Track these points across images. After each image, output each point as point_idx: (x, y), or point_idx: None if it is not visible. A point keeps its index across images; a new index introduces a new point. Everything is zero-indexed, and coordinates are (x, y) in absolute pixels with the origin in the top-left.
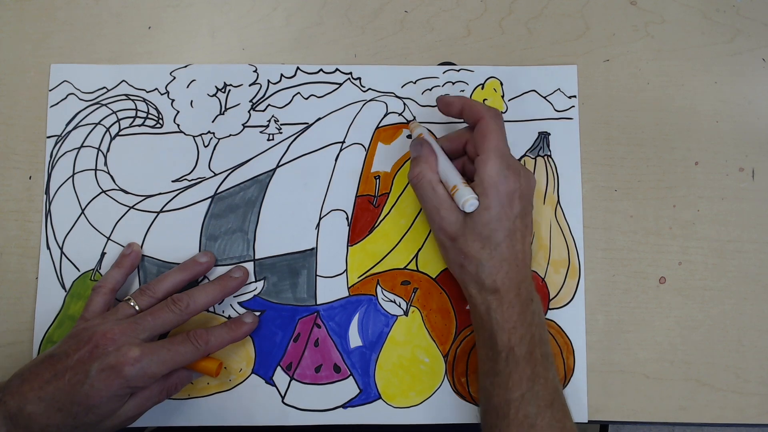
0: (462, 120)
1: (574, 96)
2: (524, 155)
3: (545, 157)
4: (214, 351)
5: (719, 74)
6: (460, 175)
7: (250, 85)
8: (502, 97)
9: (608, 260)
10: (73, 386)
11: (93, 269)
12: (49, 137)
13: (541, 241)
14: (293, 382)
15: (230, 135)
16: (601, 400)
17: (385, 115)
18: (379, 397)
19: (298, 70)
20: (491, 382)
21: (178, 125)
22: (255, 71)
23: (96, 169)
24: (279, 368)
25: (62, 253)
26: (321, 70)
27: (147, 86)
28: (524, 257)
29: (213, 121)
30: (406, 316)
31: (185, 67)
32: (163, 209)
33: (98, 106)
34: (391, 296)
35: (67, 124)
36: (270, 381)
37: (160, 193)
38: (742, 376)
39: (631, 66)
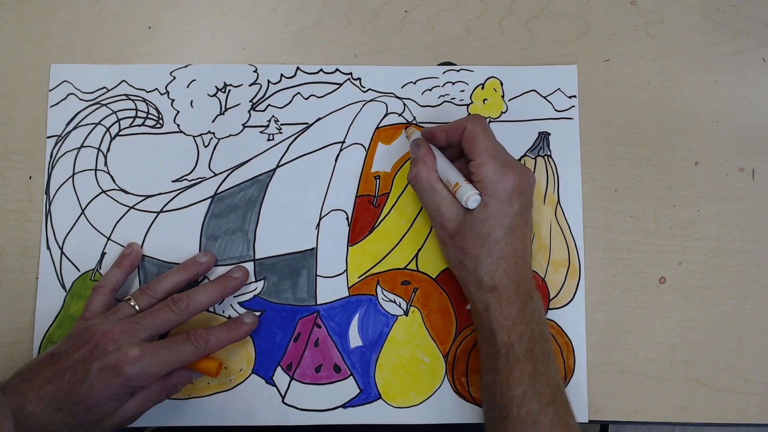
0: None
1: (574, 96)
2: (524, 155)
3: (545, 157)
4: (214, 351)
5: (719, 74)
6: (460, 173)
7: (250, 85)
8: (502, 97)
9: (608, 260)
10: (73, 385)
11: (93, 269)
12: (49, 137)
13: (541, 241)
14: (293, 382)
15: (230, 135)
16: (601, 400)
17: (385, 116)
18: (380, 397)
19: (298, 70)
20: (493, 380)
21: (178, 125)
22: (255, 71)
23: (96, 169)
24: (279, 368)
25: (62, 253)
26: (321, 70)
27: (147, 86)
28: (524, 254)
29: (213, 121)
30: (406, 316)
31: (185, 67)
32: (164, 209)
33: (98, 106)
34: (391, 296)
35: (67, 124)
36: (270, 381)
37: (160, 193)
38: (742, 376)
39: (631, 66)
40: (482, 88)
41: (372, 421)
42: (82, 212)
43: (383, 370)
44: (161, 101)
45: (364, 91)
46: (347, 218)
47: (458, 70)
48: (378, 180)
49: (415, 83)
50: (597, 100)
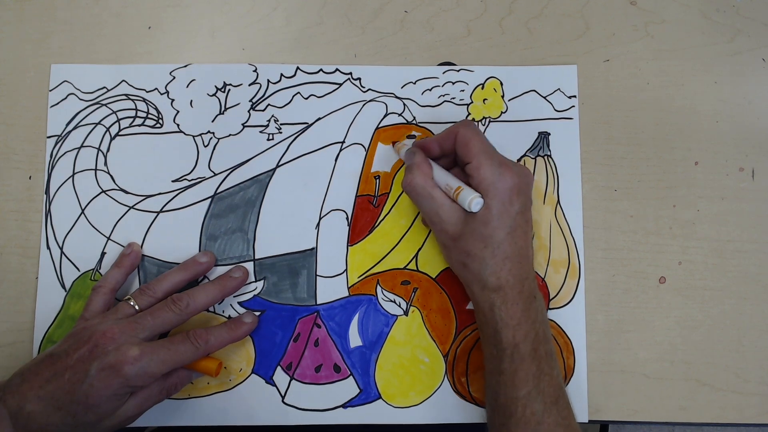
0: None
1: (574, 96)
2: (524, 155)
3: (545, 157)
4: (214, 351)
5: (719, 74)
6: (457, 179)
7: (249, 85)
8: (502, 97)
9: (608, 260)
10: (73, 385)
11: (93, 269)
12: (49, 137)
13: (541, 241)
14: (293, 381)
15: (230, 135)
16: (601, 400)
17: (385, 116)
18: (379, 397)
19: (298, 70)
20: (497, 380)
21: (178, 125)
22: (255, 71)
23: (96, 169)
24: (279, 368)
25: (62, 253)
26: (321, 70)
27: (147, 86)
28: (527, 253)
29: (213, 121)
30: (406, 315)
31: (185, 66)
32: (163, 209)
33: (98, 106)
34: (391, 296)
35: (67, 124)
36: (270, 381)
37: (160, 193)
38: (742, 376)
39: (631, 66)
40: (482, 88)
41: (372, 421)
42: (82, 212)
43: (383, 370)
44: (161, 101)
45: (364, 91)
46: (347, 218)
47: (458, 70)
48: (378, 180)
49: (415, 83)
50: (597, 100)
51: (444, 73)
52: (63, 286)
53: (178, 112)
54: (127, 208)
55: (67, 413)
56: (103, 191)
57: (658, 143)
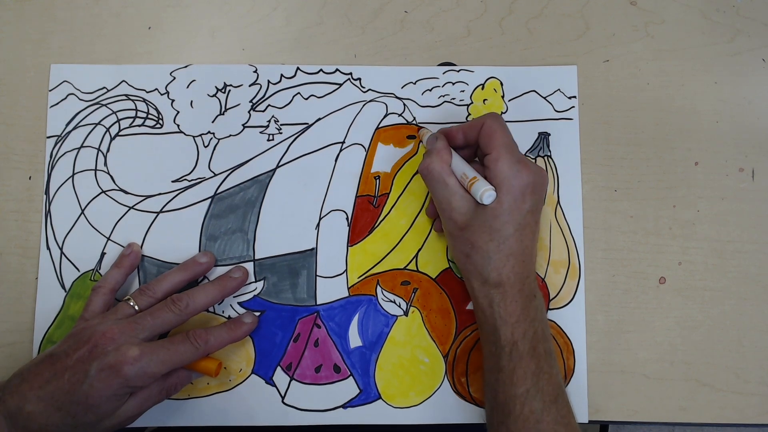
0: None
1: (574, 96)
2: (524, 155)
3: (545, 158)
4: (214, 351)
5: (719, 74)
6: (474, 170)
7: (250, 86)
8: (503, 97)
9: (608, 260)
10: (73, 386)
11: (93, 269)
12: (49, 137)
13: (541, 241)
14: (293, 382)
15: (230, 135)
16: (601, 400)
17: (385, 116)
18: (379, 398)
19: (298, 71)
20: (495, 378)
21: (178, 125)
22: (255, 71)
23: (96, 170)
24: (279, 368)
25: (62, 253)
26: (321, 70)
27: (147, 86)
28: (531, 253)
29: (213, 122)
30: (406, 316)
31: (185, 67)
32: (163, 209)
33: (98, 106)
34: (391, 296)
35: (67, 124)
36: (270, 381)
37: (160, 194)
38: (742, 376)
39: (631, 66)
40: (482, 89)
41: (372, 422)
42: (82, 212)
43: (383, 370)
44: (161, 101)
45: (364, 92)
46: (347, 218)
47: (458, 71)
48: (378, 180)
49: (415, 83)
50: (597, 101)
51: (444, 73)
52: (63, 286)
53: (178, 112)
54: (127, 208)
55: (67, 413)
56: (103, 191)
57: (658, 143)
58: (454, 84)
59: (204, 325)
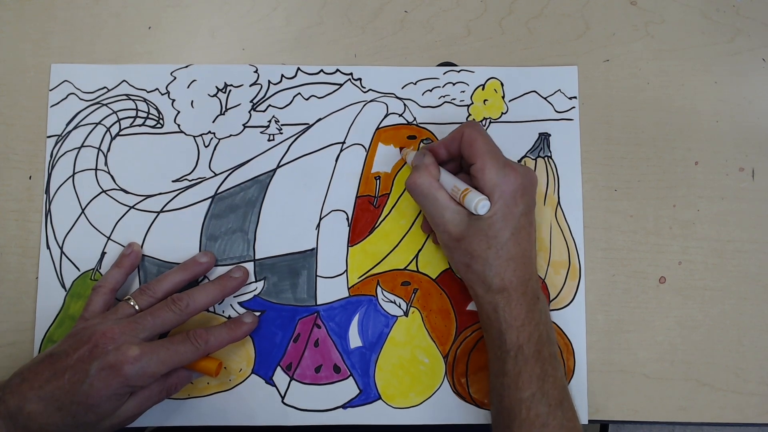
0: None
1: (575, 97)
2: (525, 156)
3: (545, 158)
4: (214, 351)
5: (719, 74)
6: (464, 182)
7: (250, 86)
8: (503, 97)
9: (608, 260)
10: (73, 385)
11: (93, 269)
12: (49, 137)
13: (541, 242)
14: (293, 382)
15: (231, 135)
16: (601, 400)
17: (385, 116)
18: (379, 398)
19: (299, 71)
20: (501, 382)
21: (179, 125)
22: (255, 72)
23: (96, 169)
24: (279, 368)
25: (62, 252)
26: (322, 70)
27: (147, 86)
28: (530, 254)
29: (213, 122)
30: (406, 316)
31: (186, 67)
32: (164, 209)
33: (99, 105)
34: (391, 297)
35: (68, 124)
36: (270, 381)
37: (160, 193)
38: (742, 376)
39: (631, 66)
40: (483, 89)
41: (371, 422)
42: (82, 212)
43: (383, 370)
44: (162, 101)
45: (365, 92)
46: (347, 219)
47: (459, 71)
48: (378, 180)
49: (415, 84)
50: (597, 101)
51: (444, 73)
52: (63, 285)
53: (178, 112)
54: (128, 208)
55: (67, 413)
56: (104, 191)
57: (658, 143)
58: (454, 84)
59: (204, 325)
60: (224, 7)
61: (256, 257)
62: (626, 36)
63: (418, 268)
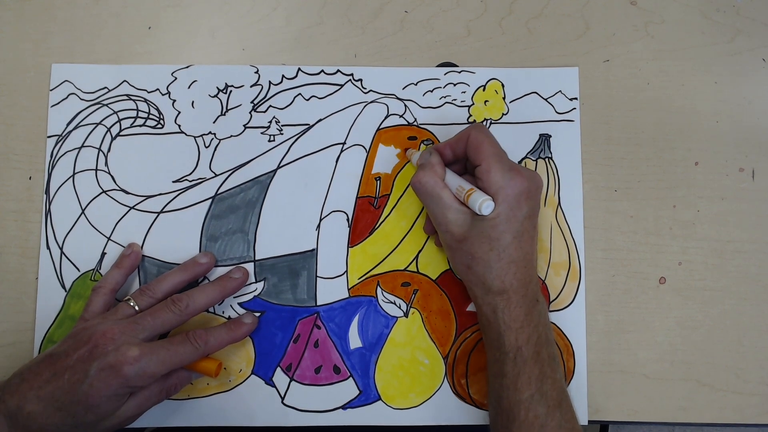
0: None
1: (576, 98)
2: (525, 157)
3: (546, 159)
4: (214, 351)
5: (719, 74)
6: (469, 183)
7: (251, 86)
8: (504, 98)
9: (608, 260)
10: (73, 385)
11: (93, 269)
12: (49, 137)
13: (541, 243)
14: (293, 382)
15: (231, 136)
16: (601, 400)
17: (386, 117)
18: (379, 399)
19: (300, 72)
20: (499, 384)
21: (179, 126)
22: (256, 72)
23: (96, 169)
24: (279, 369)
25: (62, 253)
26: (322, 71)
27: (148, 86)
28: (532, 258)
29: (214, 122)
30: (406, 317)
31: (187, 67)
32: (164, 210)
33: (99, 106)
34: (392, 298)
35: (68, 124)
36: (270, 382)
37: (160, 194)
38: (742, 376)
39: (631, 66)
40: (483, 90)
41: (371, 423)
42: (83, 212)
43: (383, 371)
44: (162, 101)
45: (365, 93)
46: (348, 219)
47: (459, 72)
48: (379, 181)
49: (416, 84)
50: (597, 101)
51: (445, 74)
52: (63, 286)
53: (179, 112)
54: (128, 208)
55: (67, 413)
56: (104, 191)
57: (658, 143)
58: (455, 85)
59: (204, 325)
60: (224, 7)
61: (256, 258)
62: (626, 36)
63: (418, 269)
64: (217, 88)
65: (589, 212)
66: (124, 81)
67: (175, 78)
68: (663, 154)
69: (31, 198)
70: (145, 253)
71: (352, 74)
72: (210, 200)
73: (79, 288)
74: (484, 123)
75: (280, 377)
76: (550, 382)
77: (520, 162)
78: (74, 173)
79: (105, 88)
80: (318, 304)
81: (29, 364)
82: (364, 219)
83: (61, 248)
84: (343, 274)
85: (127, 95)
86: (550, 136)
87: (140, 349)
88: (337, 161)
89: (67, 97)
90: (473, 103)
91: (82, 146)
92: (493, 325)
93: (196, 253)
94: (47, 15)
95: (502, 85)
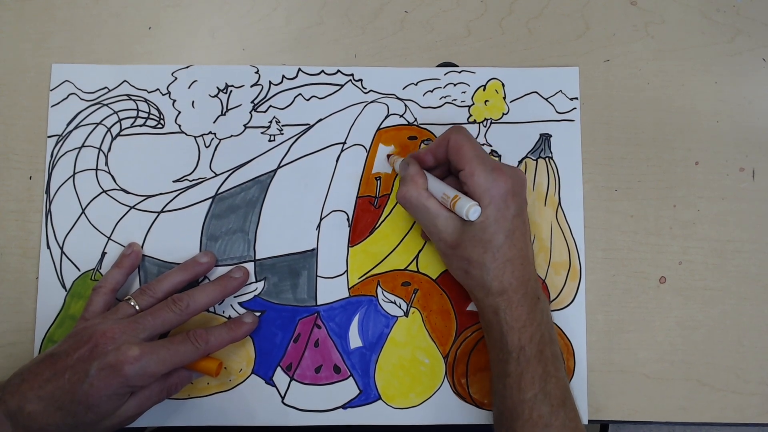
0: (449, 152)
1: (576, 98)
2: (525, 157)
3: (546, 159)
4: (214, 351)
5: (719, 74)
6: (452, 188)
7: (251, 86)
8: (504, 98)
9: (608, 260)
10: (73, 385)
11: (93, 269)
12: (49, 137)
13: (542, 243)
14: (293, 382)
15: (231, 136)
16: (601, 400)
17: (386, 117)
18: (379, 398)
19: (300, 72)
20: (503, 384)
21: (180, 125)
22: (256, 72)
23: (97, 169)
24: (279, 368)
25: (62, 252)
26: (323, 71)
27: (148, 86)
28: (527, 255)
29: (214, 122)
30: (407, 317)
31: (187, 67)
32: (164, 209)
33: (99, 105)
34: (392, 297)
35: (68, 124)
36: (270, 381)
37: (160, 194)
38: (742, 376)
39: (631, 66)
40: (484, 90)
41: (371, 422)
42: (83, 212)
43: (383, 371)
44: (162, 101)
45: (366, 93)
46: (348, 219)
47: (460, 72)
48: (379, 181)
49: (416, 84)
50: (597, 101)
51: (445, 74)
52: (63, 286)
53: (179, 112)
54: (128, 208)
55: (68, 413)
56: (104, 191)
57: (659, 143)
58: (455, 85)
59: (204, 325)
60: (224, 7)
61: (257, 257)
62: (626, 36)
63: (418, 269)
64: (218, 88)
65: (589, 212)
66: (125, 81)
67: (176, 78)
68: (663, 154)
69: (32, 198)
70: (146, 252)
71: (352, 74)
72: (210, 200)
73: (79, 288)
74: (485, 122)
75: (280, 377)
76: (553, 381)
77: (520, 161)
78: (74, 173)
79: (105, 88)
80: (318, 303)
81: (29, 364)
82: (365, 219)
83: (61, 248)
84: (343, 273)
85: (127, 95)
86: (551, 136)
87: (141, 349)
88: (337, 161)
89: (67, 97)
90: (473, 103)
91: (83, 146)
92: (495, 326)
93: (196, 252)
94: (47, 15)
95: (503, 85)
